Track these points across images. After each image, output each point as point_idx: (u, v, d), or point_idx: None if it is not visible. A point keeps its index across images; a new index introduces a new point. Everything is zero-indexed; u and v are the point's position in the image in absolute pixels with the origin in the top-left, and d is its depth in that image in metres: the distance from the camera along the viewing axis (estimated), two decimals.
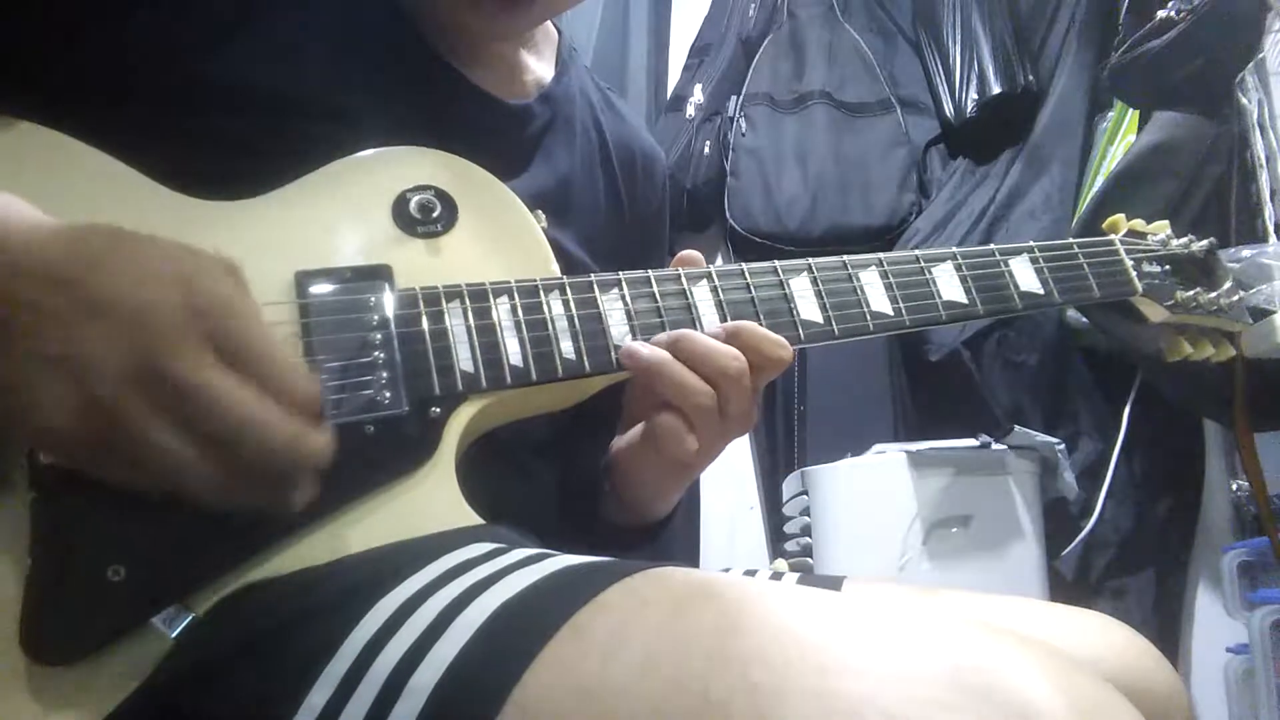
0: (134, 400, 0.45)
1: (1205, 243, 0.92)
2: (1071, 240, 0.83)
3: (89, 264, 0.46)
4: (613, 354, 0.64)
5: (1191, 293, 0.87)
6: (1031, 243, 0.80)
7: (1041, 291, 0.78)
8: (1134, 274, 0.85)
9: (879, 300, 0.72)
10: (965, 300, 0.75)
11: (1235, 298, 0.90)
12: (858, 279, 0.72)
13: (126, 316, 0.45)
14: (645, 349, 0.64)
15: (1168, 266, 0.88)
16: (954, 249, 0.76)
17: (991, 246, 0.78)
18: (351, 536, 0.53)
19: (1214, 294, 0.89)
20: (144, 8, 0.63)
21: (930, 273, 0.74)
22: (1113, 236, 0.88)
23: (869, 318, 0.71)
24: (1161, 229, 0.91)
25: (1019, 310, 0.78)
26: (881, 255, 0.73)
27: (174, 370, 0.45)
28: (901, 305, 0.72)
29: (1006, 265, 0.78)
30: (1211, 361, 0.92)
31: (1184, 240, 0.91)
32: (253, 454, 0.46)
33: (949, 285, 0.75)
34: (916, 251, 0.75)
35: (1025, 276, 0.78)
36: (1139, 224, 0.91)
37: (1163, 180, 1.65)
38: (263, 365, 0.47)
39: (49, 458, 0.50)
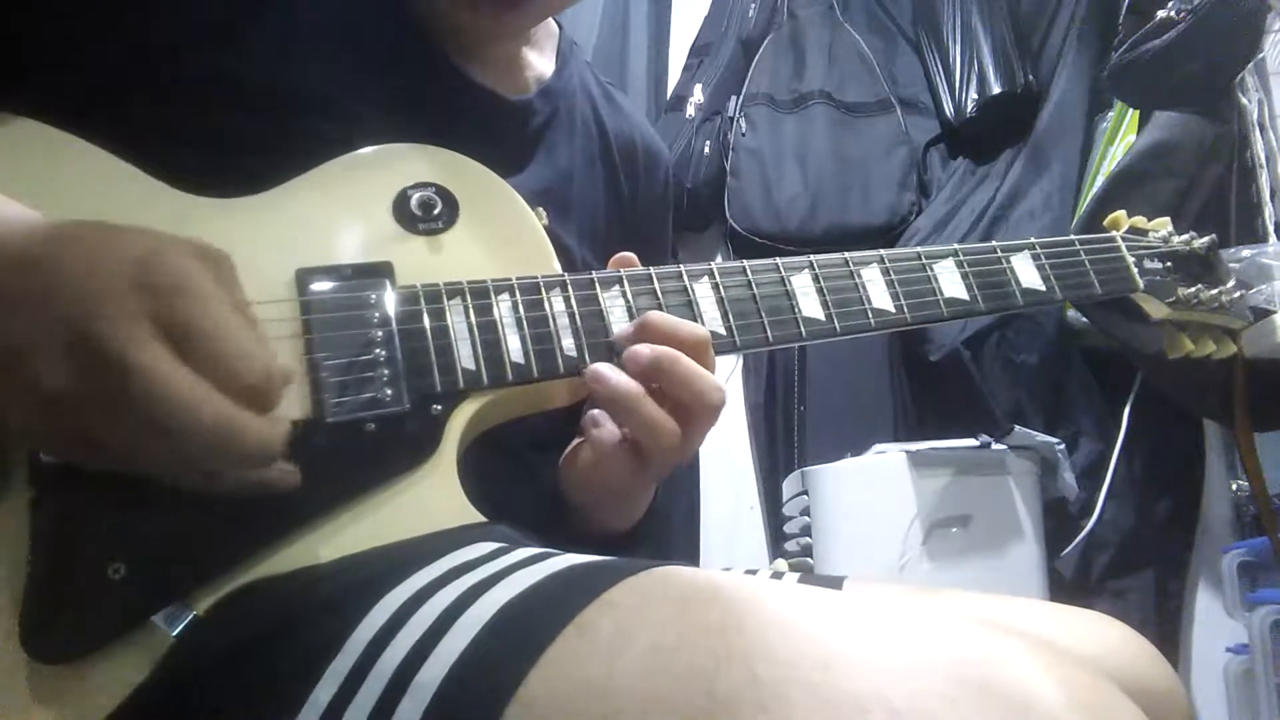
0: (79, 384, 0.44)
1: (1206, 240, 0.92)
2: (1073, 237, 0.82)
3: (54, 251, 0.46)
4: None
5: (1193, 289, 0.87)
6: (1033, 239, 0.80)
7: (1043, 288, 0.78)
8: (1135, 270, 0.85)
9: (880, 297, 0.71)
10: (967, 297, 0.74)
11: (1237, 295, 0.90)
12: (859, 276, 0.71)
13: (71, 297, 0.45)
14: (614, 377, 0.61)
15: (1169, 263, 0.88)
16: (955, 245, 0.76)
17: (993, 243, 0.77)
18: (354, 534, 0.53)
19: (1215, 291, 0.88)
20: (146, 6, 0.63)
21: (932, 269, 0.74)
22: (1114, 233, 0.87)
23: (870, 315, 0.70)
24: (1162, 225, 0.91)
25: (1020, 307, 0.77)
26: (883, 252, 0.73)
27: (106, 346, 0.44)
28: (903, 302, 0.72)
29: (1008, 261, 0.77)
30: (1213, 359, 0.91)
31: (1185, 237, 0.91)
32: (180, 436, 0.44)
33: (950, 282, 0.74)
34: (919, 248, 0.74)
35: (1027, 273, 0.78)
36: (1140, 221, 0.91)
37: (1163, 180, 1.65)
38: (207, 345, 0.45)
39: (45, 454, 0.50)
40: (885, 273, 0.72)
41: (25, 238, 0.47)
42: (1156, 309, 0.86)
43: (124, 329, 0.44)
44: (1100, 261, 0.82)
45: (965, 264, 0.75)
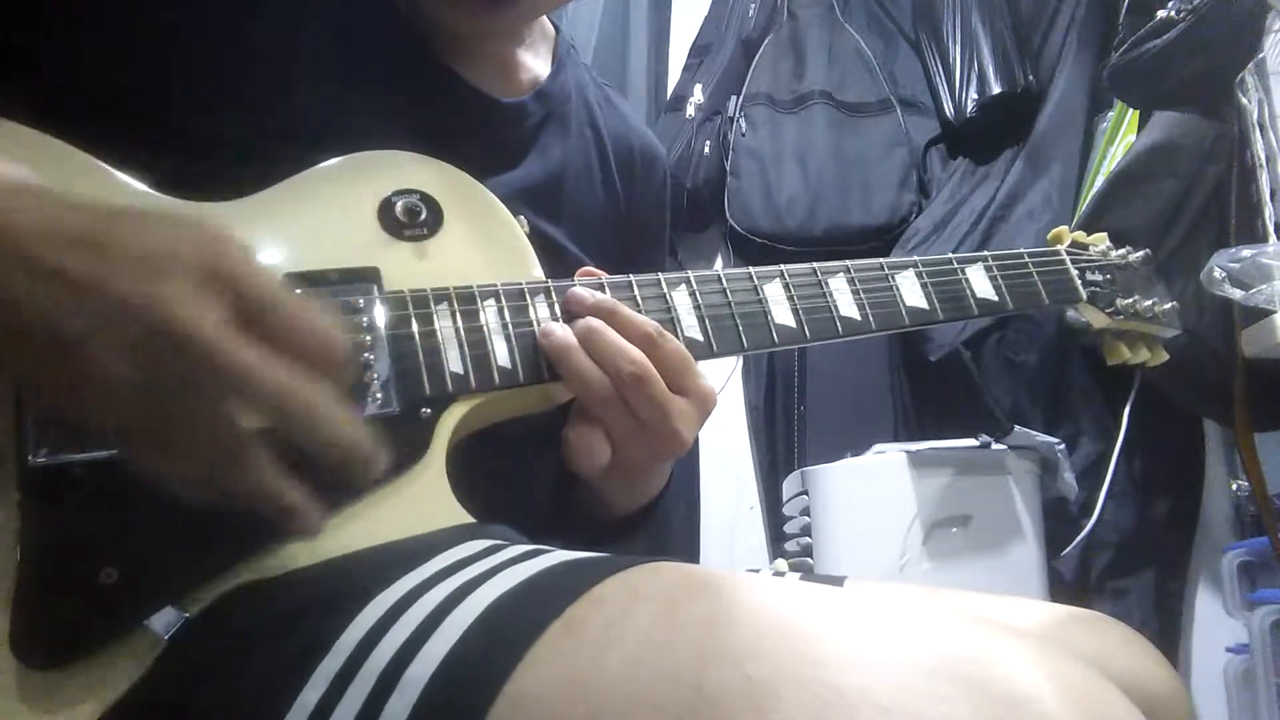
0: (146, 369, 0.43)
1: (1141, 254, 0.98)
2: (1022, 250, 0.88)
3: (116, 231, 0.45)
4: None
5: (1130, 300, 0.93)
6: (986, 253, 0.84)
7: (996, 298, 0.82)
8: (1079, 283, 0.90)
9: (847, 306, 0.74)
10: (926, 305, 0.78)
11: (1168, 305, 0.96)
12: (827, 285, 0.74)
13: (137, 276, 0.43)
14: (560, 330, 0.62)
15: (1109, 276, 0.93)
16: (915, 258, 0.80)
17: (949, 255, 0.82)
18: (344, 537, 0.53)
19: (1149, 301, 0.94)
20: (143, 9, 0.63)
21: (894, 279, 0.77)
22: (1059, 247, 0.92)
23: (838, 322, 0.73)
24: (1101, 241, 0.97)
25: (976, 316, 0.81)
26: (849, 263, 0.76)
27: (177, 328, 0.43)
28: (868, 310, 0.75)
29: (963, 273, 0.82)
30: (1147, 366, 0.98)
31: (1122, 251, 0.97)
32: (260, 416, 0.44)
33: (911, 291, 0.78)
34: (881, 259, 0.78)
35: (981, 284, 0.82)
36: (1080, 236, 0.96)
37: (1163, 180, 1.65)
38: (282, 319, 0.46)
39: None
40: (851, 282, 0.75)
41: (87, 216, 0.45)
42: (1098, 318, 0.92)
43: (193, 309, 0.43)
44: (1047, 274, 0.87)
45: (925, 274, 0.79)
